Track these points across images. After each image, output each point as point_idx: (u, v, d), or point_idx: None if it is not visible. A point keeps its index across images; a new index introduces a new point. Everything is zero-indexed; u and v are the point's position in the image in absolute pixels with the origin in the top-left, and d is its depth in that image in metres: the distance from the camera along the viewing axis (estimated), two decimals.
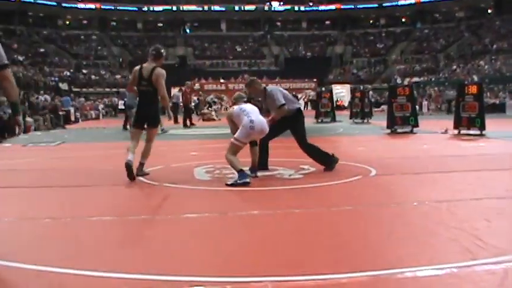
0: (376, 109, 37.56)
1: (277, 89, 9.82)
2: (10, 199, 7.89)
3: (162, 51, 10.03)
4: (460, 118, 17.64)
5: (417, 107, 30.39)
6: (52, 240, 5.37)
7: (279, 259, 4.47)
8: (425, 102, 43.43)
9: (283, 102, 9.46)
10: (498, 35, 67.67)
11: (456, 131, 17.64)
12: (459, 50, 70.29)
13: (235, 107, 9.10)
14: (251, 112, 8.83)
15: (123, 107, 22.49)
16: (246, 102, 9.64)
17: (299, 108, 10.09)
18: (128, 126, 22.33)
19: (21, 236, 5.60)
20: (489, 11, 76.18)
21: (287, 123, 9.65)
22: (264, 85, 10.13)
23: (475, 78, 50.92)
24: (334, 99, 35.81)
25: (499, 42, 65.06)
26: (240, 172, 8.33)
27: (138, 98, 9.71)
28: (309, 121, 22.06)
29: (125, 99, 25.26)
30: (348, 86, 56.82)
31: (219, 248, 4.93)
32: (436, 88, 49.64)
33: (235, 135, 8.77)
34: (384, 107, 34.37)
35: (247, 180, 8.27)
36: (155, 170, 9.97)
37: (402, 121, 19.37)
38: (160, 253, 4.76)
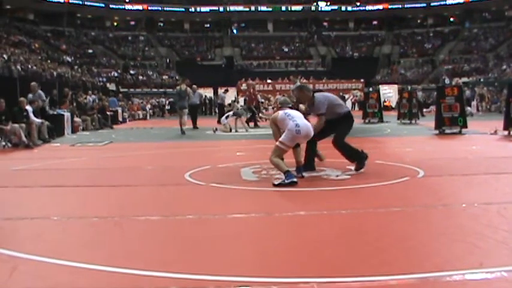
0: (425, 110, 37.09)
1: (325, 98, 9.75)
2: (59, 198, 8.01)
3: None
4: (511, 119, 17.34)
5: (468, 108, 30.05)
6: (100, 239, 5.44)
7: (325, 260, 4.46)
8: (474, 103, 42.83)
9: (323, 111, 9.45)
10: None
11: (506, 132, 17.35)
12: (509, 49, 69.13)
13: (280, 112, 9.09)
14: (296, 117, 8.84)
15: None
16: (291, 107, 9.63)
17: (348, 112, 10.07)
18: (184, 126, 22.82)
19: (70, 234, 5.68)
20: None
21: (334, 124, 9.63)
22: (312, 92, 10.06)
23: None
24: (382, 99, 35.57)
25: None
26: (287, 173, 8.33)
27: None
28: (356, 121, 21.90)
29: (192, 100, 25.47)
30: (395, 87, 56.30)
31: (265, 249, 4.94)
32: (485, 88, 48.95)
33: (280, 139, 8.76)
34: (432, 107, 33.99)
35: (294, 179, 8.26)
36: (202, 170, 10.01)
37: (450, 122, 19.12)
38: (206, 253, 4.78)
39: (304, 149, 9.53)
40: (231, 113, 24.31)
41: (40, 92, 21.86)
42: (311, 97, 9.77)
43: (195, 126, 25.52)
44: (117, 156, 14.20)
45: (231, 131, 22.94)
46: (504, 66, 64.57)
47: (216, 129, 23.66)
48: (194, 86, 26.89)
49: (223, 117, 24.00)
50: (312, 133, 8.92)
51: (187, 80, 26.19)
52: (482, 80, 62.06)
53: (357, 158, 9.69)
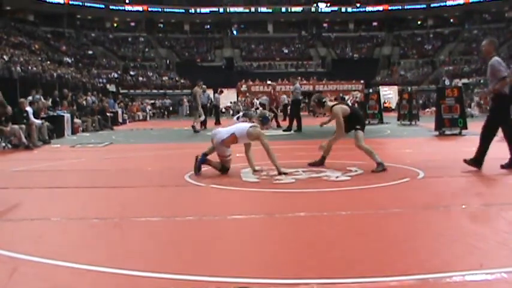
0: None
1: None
2: (59, 199, 8.01)
3: None
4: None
5: (468, 109, 30.05)
6: (100, 240, 5.44)
7: (325, 261, 4.46)
8: (474, 104, 42.82)
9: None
10: None
11: None
12: (509, 50, 69.12)
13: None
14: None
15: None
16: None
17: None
18: (197, 125, 23.39)
19: (70, 235, 5.68)
20: None
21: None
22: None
23: None
24: (382, 100, 35.59)
25: None
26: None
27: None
28: None
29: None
30: (395, 88, 56.38)
31: (265, 250, 4.94)
32: (485, 89, 48.97)
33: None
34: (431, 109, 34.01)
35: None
36: (202, 172, 10.01)
37: (450, 123, 19.14)
38: (207, 254, 4.78)
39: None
40: (241, 113, 24.39)
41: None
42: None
43: (204, 126, 25.66)
44: (117, 158, 14.21)
45: None
46: None
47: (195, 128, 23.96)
48: (204, 86, 27.05)
49: (235, 118, 24.14)
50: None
51: (201, 82, 26.71)
52: (482, 81, 62.09)
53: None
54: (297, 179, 9.06)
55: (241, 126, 9.98)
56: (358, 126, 9.99)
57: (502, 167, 9.81)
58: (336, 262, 4.43)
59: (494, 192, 7.87)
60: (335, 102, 11.00)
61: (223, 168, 9.96)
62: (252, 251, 4.92)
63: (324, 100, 10.55)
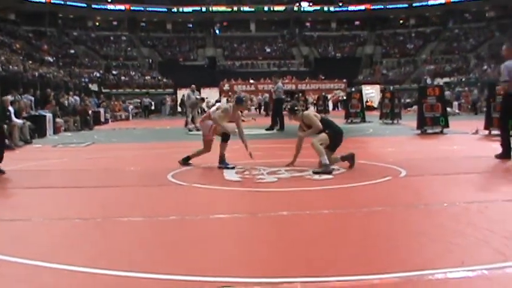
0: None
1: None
2: (40, 199, 7.96)
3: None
4: (491, 119, 17.45)
5: (449, 109, 30.20)
6: (82, 241, 5.42)
7: (308, 260, 4.47)
8: (455, 103, 43.07)
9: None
10: None
11: (487, 132, 17.47)
12: (490, 50, 69.51)
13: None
14: None
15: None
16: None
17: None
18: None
19: (52, 236, 5.65)
20: None
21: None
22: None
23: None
24: (364, 99, 35.67)
25: None
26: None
27: None
28: (339, 122, 21.98)
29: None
30: (377, 87, 56.51)
31: (248, 249, 4.95)
32: (466, 88, 49.31)
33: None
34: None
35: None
36: (184, 171, 10.01)
37: (432, 122, 19.22)
38: (190, 254, 4.77)
39: None
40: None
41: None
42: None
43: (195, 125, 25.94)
44: (99, 157, 14.15)
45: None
46: (485, 67, 64.95)
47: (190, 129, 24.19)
48: (193, 86, 27.20)
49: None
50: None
51: (194, 84, 28.07)
52: (463, 80, 62.47)
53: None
54: (279, 178, 9.08)
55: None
56: (327, 131, 9.97)
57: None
58: (319, 261, 4.44)
59: (475, 189, 7.92)
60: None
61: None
62: (235, 250, 4.92)
63: (296, 109, 10.51)
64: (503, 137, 10.96)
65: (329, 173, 9.27)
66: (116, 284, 4.05)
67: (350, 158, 9.95)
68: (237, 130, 10.84)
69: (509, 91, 10.85)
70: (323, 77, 60.14)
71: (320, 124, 9.96)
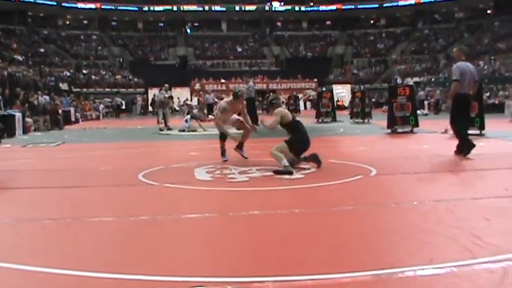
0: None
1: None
2: (9, 200, 7.90)
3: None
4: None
5: (420, 111, 30.50)
6: (52, 241, 5.38)
7: (280, 259, 4.48)
8: (426, 103, 43.42)
9: None
10: (497, 35, 67.77)
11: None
12: None
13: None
14: None
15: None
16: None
17: None
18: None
19: (21, 237, 5.60)
20: (488, 11, 76.18)
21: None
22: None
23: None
24: (335, 99, 35.82)
25: (498, 42, 65.10)
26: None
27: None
28: (310, 121, 22.01)
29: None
30: (348, 86, 56.82)
31: (219, 248, 4.94)
32: (435, 88, 49.77)
33: None
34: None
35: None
36: (155, 171, 9.98)
37: (402, 121, 19.36)
38: (161, 254, 4.77)
39: None
40: (188, 116, 24.57)
41: None
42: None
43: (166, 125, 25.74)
44: (69, 157, 14.05)
45: (194, 130, 23.04)
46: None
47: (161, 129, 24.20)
48: (166, 85, 27.01)
49: (184, 121, 24.18)
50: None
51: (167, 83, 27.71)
52: (433, 79, 62.98)
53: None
54: (250, 177, 9.09)
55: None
56: (294, 135, 10.01)
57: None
58: (290, 260, 4.46)
59: (444, 188, 7.98)
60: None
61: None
62: (206, 250, 4.91)
63: (273, 102, 10.66)
64: (456, 134, 11.53)
65: (290, 173, 9.26)
66: (86, 285, 4.02)
67: (313, 159, 9.96)
68: (236, 135, 11.51)
69: (460, 91, 11.51)
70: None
71: (277, 123, 10.12)
